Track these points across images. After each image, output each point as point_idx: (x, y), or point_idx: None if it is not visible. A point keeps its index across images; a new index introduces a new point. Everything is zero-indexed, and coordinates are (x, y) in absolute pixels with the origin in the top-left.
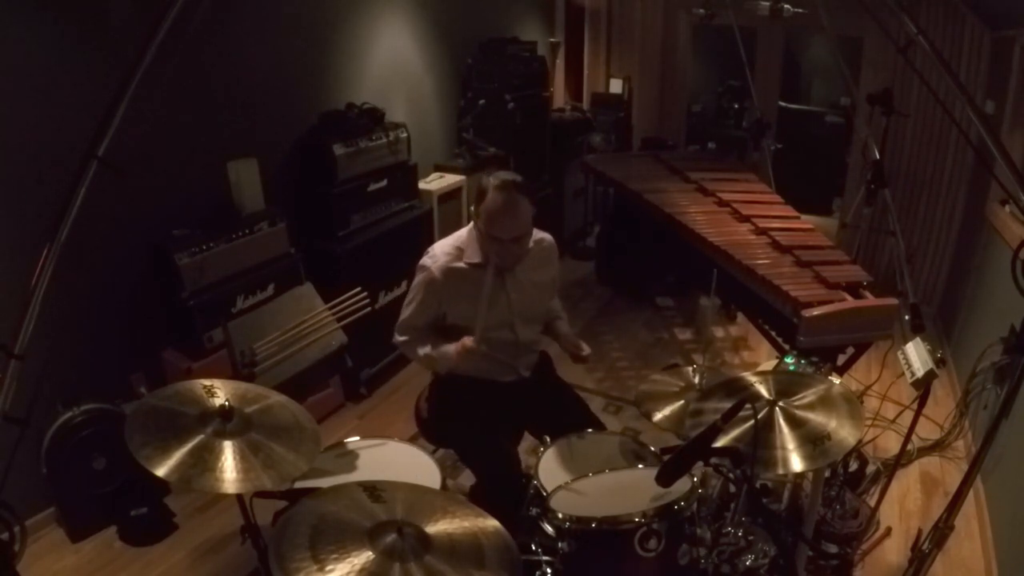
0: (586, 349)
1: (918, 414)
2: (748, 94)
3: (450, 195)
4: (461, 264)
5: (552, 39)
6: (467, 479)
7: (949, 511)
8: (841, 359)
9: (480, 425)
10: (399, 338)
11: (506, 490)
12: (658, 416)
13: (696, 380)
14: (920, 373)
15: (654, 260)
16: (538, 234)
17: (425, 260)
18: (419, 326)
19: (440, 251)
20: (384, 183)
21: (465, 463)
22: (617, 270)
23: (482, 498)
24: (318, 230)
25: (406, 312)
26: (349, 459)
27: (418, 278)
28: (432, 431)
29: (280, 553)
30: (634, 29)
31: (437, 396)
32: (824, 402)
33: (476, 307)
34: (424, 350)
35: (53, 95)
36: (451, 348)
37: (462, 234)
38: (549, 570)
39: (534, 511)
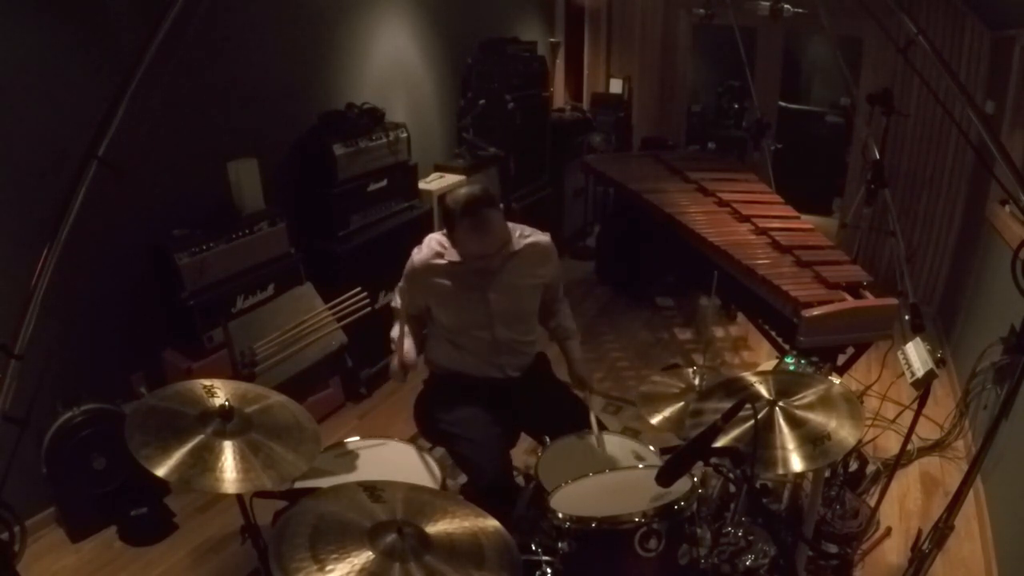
0: (591, 386)
1: (918, 414)
2: (748, 94)
3: None
4: (442, 261)
5: (552, 39)
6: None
7: (949, 511)
8: (841, 359)
9: (467, 423)
10: (393, 302)
11: (492, 488)
12: (658, 417)
13: (696, 381)
14: (920, 373)
15: (654, 260)
16: (535, 235)
17: (414, 250)
18: (406, 304)
19: (427, 243)
20: (384, 183)
21: (453, 460)
22: (617, 270)
23: (472, 496)
24: (318, 230)
25: (401, 282)
26: (349, 459)
27: (408, 266)
28: (425, 429)
29: (280, 553)
30: (634, 29)
31: (428, 394)
32: (824, 402)
33: (453, 303)
34: (394, 331)
35: (53, 95)
36: (403, 347)
37: None
38: (549, 570)
39: (534, 511)
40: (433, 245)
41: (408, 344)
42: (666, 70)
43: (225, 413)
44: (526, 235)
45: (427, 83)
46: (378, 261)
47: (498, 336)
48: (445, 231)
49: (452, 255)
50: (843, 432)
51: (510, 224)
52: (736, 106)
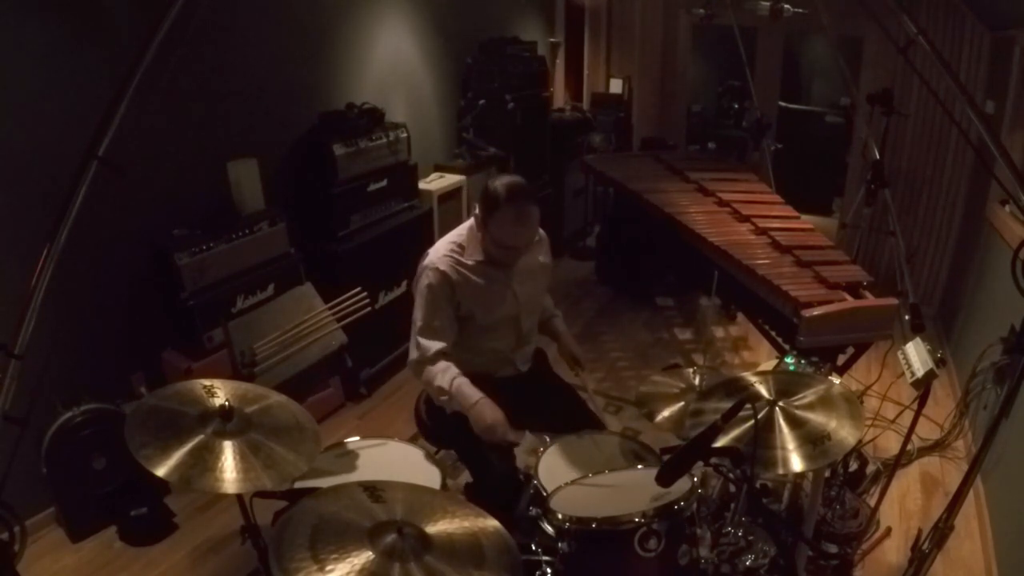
0: (583, 364)
1: (918, 414)
2: (748, 94)
3: (450, 195)
4: (465, 259)
5: (552, 39)
6: (467, 479)
7: (949, 511)
8: (841, 359)
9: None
10: (419, 353)
11: (500, 489)
12: (658, 417)
13: (696, 381)
14: (920, 373)
15: (654, 260)
16: None
17: (430, 259)
18: (442, 326)
19: (442, 249)
20: (384, 183)
21: (462, 461)
22: (617, 270)
23: (476, 496)
24: (318, 230)
25: (420, 315)
26: (349, 459)
27: (425, 280)
28: (431, 431)
29: (280, 553)
30: (634, 29)
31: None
32: (824, 402)
33: (482, 303)
34: (443, 381)
35: (53, 95)
36: (474, 397)
37: (461, 231)
38: (549, 570)
39: (534, 511)
40: (449, 248)
41: (471, 389)
42: (666, 70)
43: (225, 413)
44: None
45: (427, 83)
46: (378, 261)
47: (523, 327)
48: (476, 215)
49: (472, 255)
50: (843, 432)
51: None
52: (736, 106)
